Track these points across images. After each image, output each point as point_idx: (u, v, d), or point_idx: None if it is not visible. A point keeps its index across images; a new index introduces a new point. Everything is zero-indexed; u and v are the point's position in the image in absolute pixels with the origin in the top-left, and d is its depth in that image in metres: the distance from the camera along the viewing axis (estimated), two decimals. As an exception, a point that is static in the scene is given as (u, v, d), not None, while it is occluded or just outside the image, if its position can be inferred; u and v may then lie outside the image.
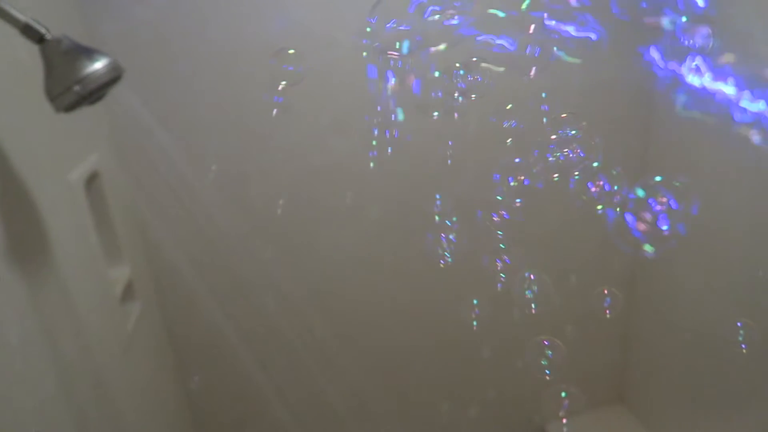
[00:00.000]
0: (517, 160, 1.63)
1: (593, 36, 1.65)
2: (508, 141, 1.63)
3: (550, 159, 1.43)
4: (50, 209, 1.02)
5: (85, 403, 1.04)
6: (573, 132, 1.40)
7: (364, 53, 1.49)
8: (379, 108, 1.69)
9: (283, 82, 1.35)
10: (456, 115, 1.66)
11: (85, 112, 0.86)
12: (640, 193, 1.25)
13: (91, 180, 1.31)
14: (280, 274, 1.87)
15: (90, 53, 0.78)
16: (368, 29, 1.33)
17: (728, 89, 1.47)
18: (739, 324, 1.45)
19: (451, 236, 1.71)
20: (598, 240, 2.11)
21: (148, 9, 1.51)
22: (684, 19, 1.42)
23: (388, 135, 1.73)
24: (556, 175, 1.46)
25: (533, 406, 2.01)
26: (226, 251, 1.80)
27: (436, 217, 1.79)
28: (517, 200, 1.59)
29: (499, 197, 1.66)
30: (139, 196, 1.68)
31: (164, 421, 1.66)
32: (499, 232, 1.65)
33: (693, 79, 1.51)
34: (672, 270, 2.01)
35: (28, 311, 0.87)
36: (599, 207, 1.41)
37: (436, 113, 1.54)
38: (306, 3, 1.61)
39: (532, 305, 1.53)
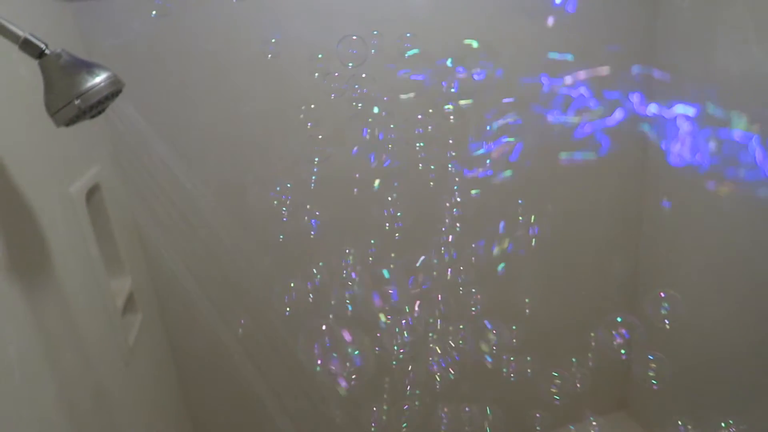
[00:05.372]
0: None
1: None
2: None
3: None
4: (51, 222, 1.02)
5: (86, 416, 1.04)
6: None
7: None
8: (382, 113, 1.70)
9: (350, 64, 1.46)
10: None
11: (86, 125, 0.86)
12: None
13: (92, 193, 1.32)
14: (279, 284, 1.86)
15: (90, 67, 0.79)
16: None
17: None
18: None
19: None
20: (600, 247, 2.12)
21: (146, 23, 1.52)
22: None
23: (390, 146, 1.73)
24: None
25: (536, 413, 2.00)
26: (226, 261, 1.80)
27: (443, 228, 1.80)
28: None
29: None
30: (139, 207, 1.68)
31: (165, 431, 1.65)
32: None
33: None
34: (673, 275, 2.01)
35: (28, 325, 0.87)
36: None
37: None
38: (301, 16, 1.62)
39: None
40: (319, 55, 1.59)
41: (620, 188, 2.08)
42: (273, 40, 1.53)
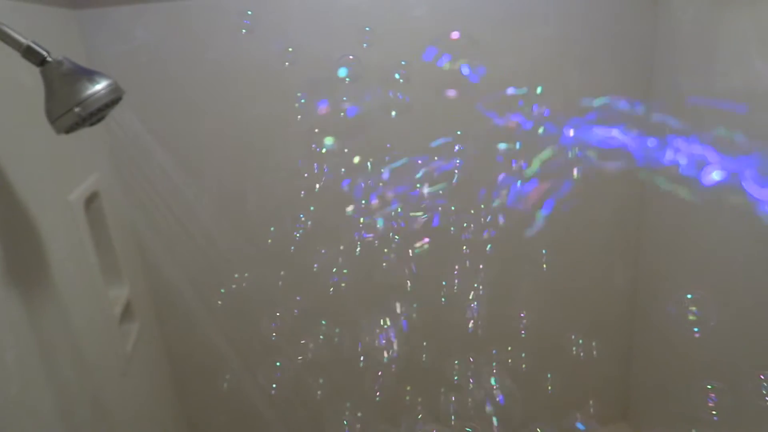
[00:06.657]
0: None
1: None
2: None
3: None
4: (50, 229, 1.02)
5: (84, 425, 1.03)
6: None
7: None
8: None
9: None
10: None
11: (86, 132, 0.86)
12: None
13: (91, 200, 1.31)
14: (278, 293, 1.86)
15: (90, 75, 0.79)
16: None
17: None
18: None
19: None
20: (599, 255, 2.12)
21: (148, 31, 1.53)
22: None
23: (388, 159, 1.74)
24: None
25: (537, 423, 1.99)
26: (224, 270, 1.80)
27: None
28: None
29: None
30: (138, 215, 1.68)
31: (163, 443, 1.64)
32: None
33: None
34: (675, 285, 2.01)
35: (26, 333, 0.86)
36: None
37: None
38: (302, 26, 1.63)
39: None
40: (302, 100, 1.63)
41: (620, 196, 2.08)
42: (290, 49, 1.55)
